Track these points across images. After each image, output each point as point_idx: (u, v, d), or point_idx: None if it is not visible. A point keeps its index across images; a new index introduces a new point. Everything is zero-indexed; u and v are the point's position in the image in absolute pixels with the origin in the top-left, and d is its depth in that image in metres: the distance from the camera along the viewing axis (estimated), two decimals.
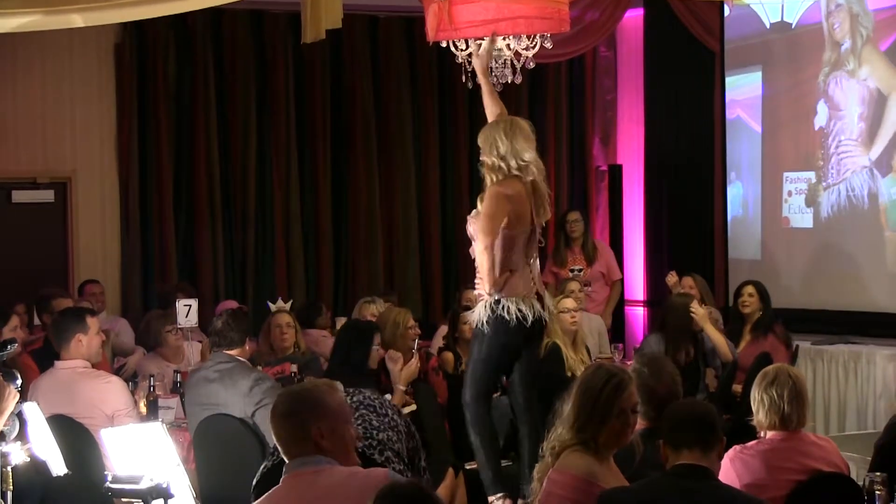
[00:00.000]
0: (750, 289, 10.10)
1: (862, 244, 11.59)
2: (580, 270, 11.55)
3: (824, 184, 11.71)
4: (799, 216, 12.01)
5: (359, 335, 7.70)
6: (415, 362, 8.48)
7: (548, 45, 8.65)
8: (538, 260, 7.40)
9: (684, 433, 4.62)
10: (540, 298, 7.12)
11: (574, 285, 10.53)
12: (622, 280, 12.51)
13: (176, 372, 8.59)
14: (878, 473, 5.02)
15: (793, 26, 12.06)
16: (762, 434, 5.55)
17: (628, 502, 4.51)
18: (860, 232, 11.61)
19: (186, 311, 9.15)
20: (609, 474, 4.87)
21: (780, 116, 12.28)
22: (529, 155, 7.15)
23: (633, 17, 13.56)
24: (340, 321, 9.89)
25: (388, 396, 6.95)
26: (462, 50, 8.56)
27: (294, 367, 8.59)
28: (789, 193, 12.11)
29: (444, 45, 8.56)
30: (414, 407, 8.36)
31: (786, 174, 12.14)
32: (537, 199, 7.14)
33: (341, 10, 8.67)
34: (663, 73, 13.49)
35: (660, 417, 5.02)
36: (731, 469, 5.34)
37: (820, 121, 11.73)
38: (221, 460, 6.91)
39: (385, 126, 12.69)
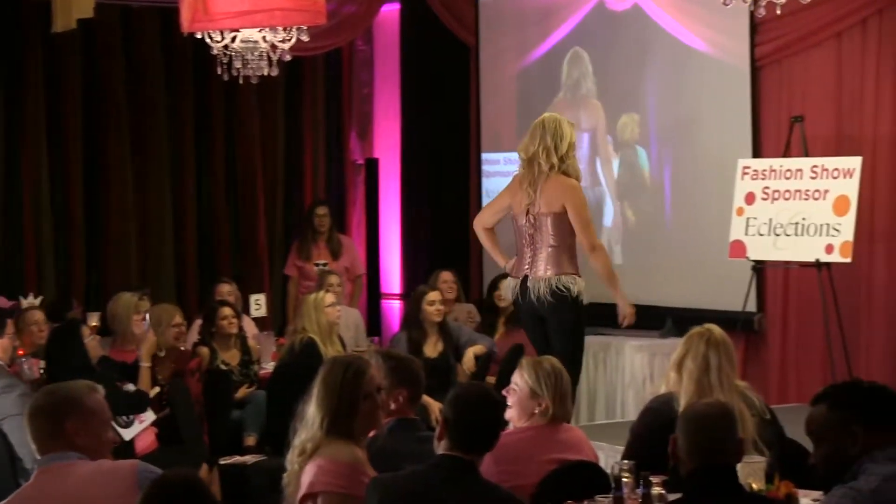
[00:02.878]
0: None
1: (611, 241, 11.87)
2: (325, 265, 11.54)
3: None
4: None
5: (66, 335, 7.67)
6: (151, 335, 8.47)
7: (304, 37, 8.64)
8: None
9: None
10: None
11: (334, 279, 10.55)
12: (370, 275, 12.61)
13: None
14: (625, 461, 5.14)
15: None
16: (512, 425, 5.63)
17: (400, 490, 4.51)
18: (609, 230, 11.90)
19: None
20: (367, 463, 4.87)
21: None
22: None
23: (390, 12, 13.62)
24: (93, 316, 9.69)
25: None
26: (217, 42, 8.48)
27: (42, 364, 8.37)
28: None
29: (199, 36, 8.46)
30: (157, 389, 8.30)
31: None
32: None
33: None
34: (420, 68, 13.58)
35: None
36: (488, 456, 5.40)
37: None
38: None
39: (139, 118, 12.48)
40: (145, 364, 8.44)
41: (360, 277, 12.23)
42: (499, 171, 12.73)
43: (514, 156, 12.24)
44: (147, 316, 8.95)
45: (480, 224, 8.34)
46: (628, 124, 11.67)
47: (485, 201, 12.82)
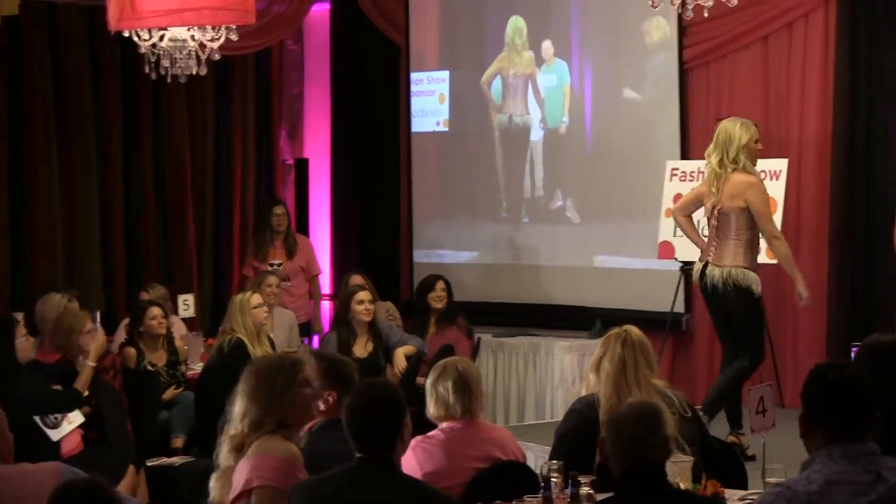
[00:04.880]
0: (442, 283, 10.26)
1: (542, 240, 11.92)
2: (279, 265, 11.49)
3: None
4: None
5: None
6: (101, 335, 8.42)
7: (233, 36, 8.62)
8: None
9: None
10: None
11: (272, 279, 10.51)
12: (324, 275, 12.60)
13: None
14: (554, 462, 5.16)
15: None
16: (441, 424, 5.64)
17: (320, 495, 4.48)
18: (538, 228, 11.94)
19: None
20: (301, 459, 4.85)
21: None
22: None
23: (320, 12, 13.58)
24: (18, 316, 9.58)
25: None
26: (145, 40, 8.43)
27: None
28: None
29: (126, 34, 8.40)
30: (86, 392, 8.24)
31: None
32: None
33: None
34: (350, 68, 13.56)
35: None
36: (412, 458, 5.40)
37: None
38: None
39: (65, 117, 12.36)
40: (91, 363, 8.36)
41: (315, 277, 12.17)
42: (427, 165, 12.81)
43: (443, 148, 12.37)
44: (98, 315, 8.87)
45: (679, 212, 8.88)
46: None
47: (415, 201, 12.86)
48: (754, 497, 5.06)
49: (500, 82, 12.14)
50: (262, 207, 12.31)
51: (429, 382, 5.67)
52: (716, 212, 8.39)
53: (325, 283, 13.45)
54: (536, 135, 11.95)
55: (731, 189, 8.26)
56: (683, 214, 8.84)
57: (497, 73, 12.13)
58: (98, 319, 8.92)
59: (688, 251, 10.04)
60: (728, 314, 8.45)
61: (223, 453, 4.89)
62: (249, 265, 11.88)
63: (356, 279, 10.49)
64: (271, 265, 11.46)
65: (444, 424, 5.61)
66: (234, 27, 8.50)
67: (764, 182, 9.02)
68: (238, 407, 4.88)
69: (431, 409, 5.64)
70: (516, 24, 11.95)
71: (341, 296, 9.92)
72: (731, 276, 8.30)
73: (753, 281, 8.32)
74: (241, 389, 4.90)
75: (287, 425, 4.86)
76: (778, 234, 8.45)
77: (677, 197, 10.09)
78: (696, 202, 8.73)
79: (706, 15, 7.66)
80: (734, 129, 8.36)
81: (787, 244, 8.54)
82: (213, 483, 4.92)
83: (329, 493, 4.46)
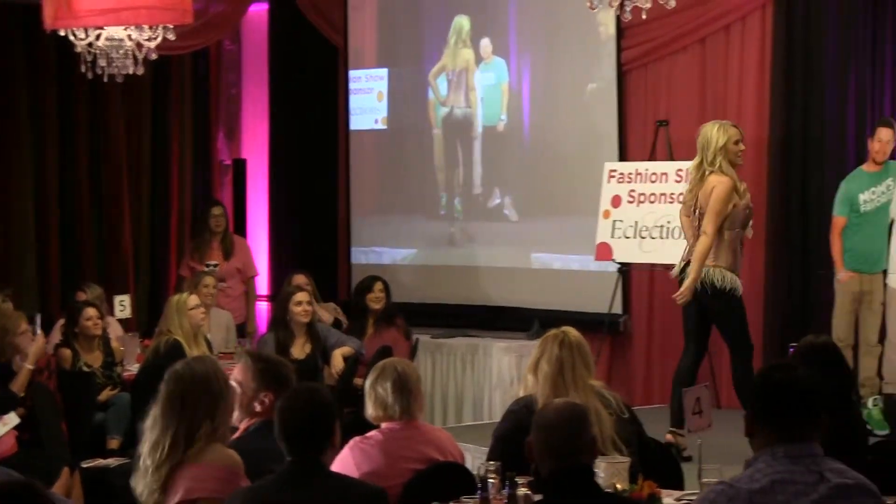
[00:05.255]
0: (380, 284, 10.24)
1: (480, 238, 11.94)
2: (216, 265, 11.44)
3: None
4: None
5: None
6: (40, 338, 8.35)
7: (171, 36, 8.58)
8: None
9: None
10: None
11: (209, 280, 10.46)
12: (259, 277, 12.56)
13: None
14: (491, 462, 5.16)
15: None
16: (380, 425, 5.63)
17: (254, 501, 4.45)
18: (477, 226, 11.96)
19: None
20: (242, 465, 4.80)
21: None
22: None
23: (258, 12, 13.54)
24: None
25: None
26: (81, 39, 8.37)
27: None
28: None
29: (62, 33, 8.34)
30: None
31: None
32: None
33: None
34: (288, 68, 13.52)
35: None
36: (349, 458, 5.39)
37: None
38: None
39: (0, 116, 12.27)
40: (29, 366, 8.29)
41: (252, 279, 12.12)
42: (365, 164, 12.81)
43: (381, 146, 12.36)
44: (39, 319, 8.80)
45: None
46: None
47: (353, 199, 12.85)
48: (691, 497, 5.08)
49: (445, 79, 12.14)
50: (201, 208, 12.25)
51: (368, 383, 5.65)
52: (696, 213, 8.42)
53: (263, 284, 13.41)
54: (475, 133, 11.97)
55: (706, 190, 8.29)
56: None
57: (442, 70, 12.14)
58: (39, 323, 8.83)
59: (626, 252, 10.10)
60: (703, 312, 8.41)
61: (154, 463, 4.76)
62: (186, 265, 11.83)
63: (299, 279, 10.48)
64: (208, 266, 11.41)
65: (382, 425, 5.60)
66: (172, 27, 8.46)
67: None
68: (160, 419, 4.80)
69: (370, 410, 5.62)
70: (460, 22, 11.96)
71: (280, 297, 9.89)
72: (707, 276, 8.27)
73: (730, 281, 8.30)
74: (166, 401, 4.80)
75: (220, 432, 4.81)
76: (708, 232, 8.32)
77: (616, 199, 10.14)
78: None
79: (644, 17, 7.69)
80: (711, 132, 8.36)
81: (709, 245, 8.46)
82: (143, 496, 4.80)
83: (262, 497, 4.44)
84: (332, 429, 4.54)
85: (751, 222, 8.43)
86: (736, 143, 8.32)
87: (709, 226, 8.30)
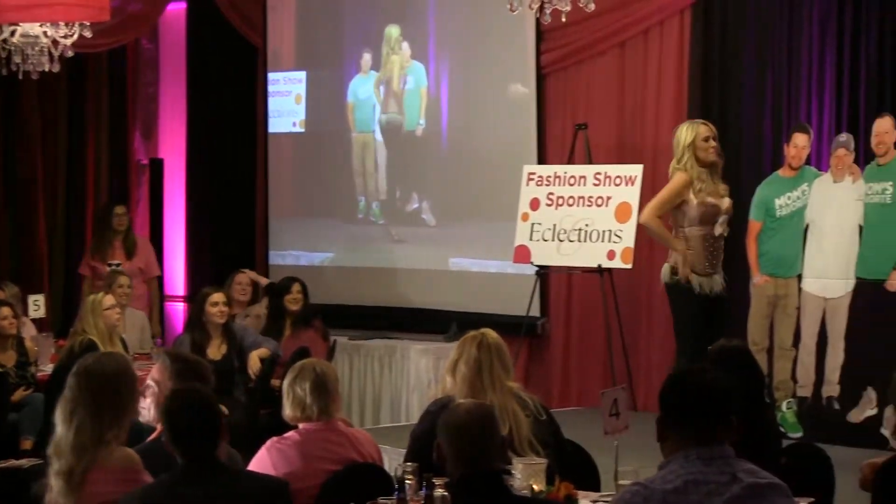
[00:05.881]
0: (298, 286, 10.21)
1: (398, 242, 11.93)
2: (118, 265, 11.35)
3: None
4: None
5: None
6: None
7: (87, 33, 8.50)
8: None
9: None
10: None
11: (124, 280, 10.41)
12: (161, 277, 12.46)
13: None
14: (408, 464, 5.15)
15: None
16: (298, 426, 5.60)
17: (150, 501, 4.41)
18: (395, 230, 11.96)
19: None
20: (140, 462, 4.75)
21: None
22: None
23: (176, 10, 13.45)
24: None
25: None
26: None
27: None
28: None
29: None
30: None
31: None
32: None
33: None
34: (206, 68, 13.45)
35: None
36: (266, 459, 5.37)
37: None
38: None
39: None
40: None
41: (154, 280, 12.03)
42: (283, 166, 12.77)
43: (299, 149, 12.32)
44: None
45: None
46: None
47: (271, 202, 12.80)
48: (607, 499, 5.10)
49: (371, 84, 12.12)
50: (104, 207, 12.15)
51: (286, 383, 5.62)
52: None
53: (179, 285, 13.34)
54: (393, 137, 11.96)
55: None
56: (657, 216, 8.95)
57: (381, 78, 12.11)
58: None
59: (544, 255, 10.12)
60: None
61: (61, 470, 4.67)
62: (87, 265, 11.73)
63: (242, 277, 10.51)
64: (110, 265, 11.33)
65: (300, 426, 5.57)
66: (88, 24, 8.38)
67: (621, 187, 9.22)
68: (68, 420, 4.71)
69: (288, 411, 5.59)
70: (390, 31, 11.93)
71: (197, 298, 9.83)
72: (664, 272, 8.50)
73: (674, 277, 8.48)
74: (76, 399, 4.72)
75: (123, 432, 4.74)
76: (644, 220, 8.68)
77: (534, 202, 10.17)
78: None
79: (564, 20, 7.71)
80: (681, 132, 8.56)
81: (650, 226, 8.66)
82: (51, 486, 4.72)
83: (157, 496, 4.41)
84: (219, 423, 4.54)
85: (720, 220, 8.47)
86: (706, 139, 8.46)
87: (649, 214, 8.54)
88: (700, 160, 8.43)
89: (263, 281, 10.96)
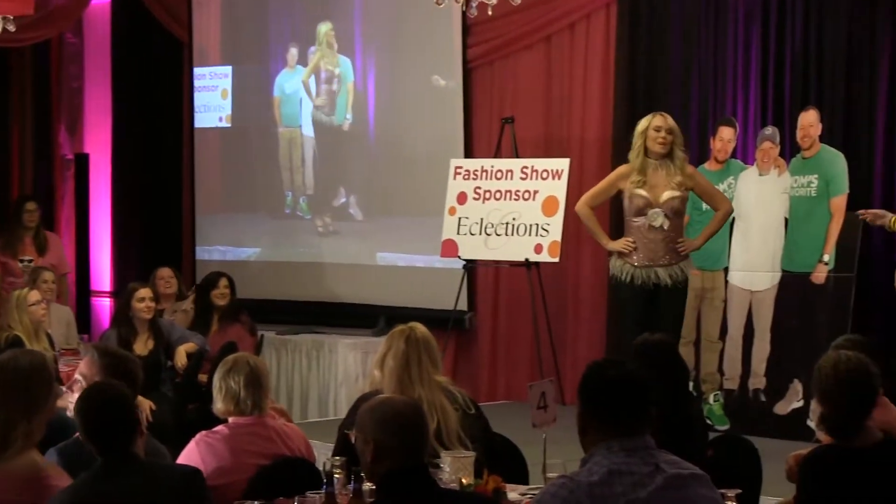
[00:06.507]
0: (225, 281, 10.16)
1: (326, 237, 11.90)
2: (30, 261, 11.24)
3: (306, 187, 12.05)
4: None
5: None
6: None
7: (10, 27, 8.43)
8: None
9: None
10: None
11: (48, 275, 10.33)
12: (80, 273, 12.38)
13: None
14: (337, 458, 5.14)
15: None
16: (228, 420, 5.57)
17: (72, 501, 4.36)
18: (322, 225, 11.94)
19: None
20: (54, 467, 4.68)
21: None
22: None
23: (101, 4, 13.35)
24: None
25: None
26: None
27: None
28: None
29: None
30: None
31: None
32: None
33: None
34: (132, 63, 13.37)
35: None
36: (195, 453, 5.34)
37: None
38: None
39: None
40: None
41: (65, 276, 11.93)
42: (210, 161, 12.70)
43: (226, 144, 12.26)
44: None
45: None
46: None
47: (197, 197, 12.73)
48: (535, 492, 5.11)
49: (298, 78, 12.09)
50: (15, 203, 12.04)
51: (218, 377, 5.59)
52: None
53: (106, 281, 13.24)
54: (320, 131, 11.93)
55: None
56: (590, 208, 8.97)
57: (311, 72, 12.06)
58: None
59: (472, 249, 10.13)
60: None
61: None
62: None
63: (164, 272, 10.44)
64: (21, 261, 11.23)
65: (230, 420, 5.54)
66: (12, 18, 8.31)
67: (548, 181, 9.26)
68: None
69: (219, 404, 5.56)
70: (321, 28, 11.89)
71: (123, 293, 9.76)
72: (610, 262, 8.65)
73: (612, 267, 8.55)
74: None
75: (33, 435, 4.65)
76: (577, 207, 8.68)
77: (461, 195, 10.17)
78: None
79: (490, 13, 7.72)
80: (641, 121, 8.53)
81: (580, 213, 8.67)
82: None
83: (80, 495, 4.37)
84: (134, 418, 4.50)
85: (651, 212, 8.37)
86: (656, 129, 8.36)
87: (581, 202, 8.64)
88: (647, 150, 8.42)
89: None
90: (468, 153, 10.91)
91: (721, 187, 9.27)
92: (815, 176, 8.88)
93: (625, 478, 3.71)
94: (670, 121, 8.43)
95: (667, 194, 8.36)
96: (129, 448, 4.45)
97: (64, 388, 5.76)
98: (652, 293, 8.40)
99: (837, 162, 8.83)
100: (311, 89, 12.03)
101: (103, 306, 13.30)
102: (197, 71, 12.79)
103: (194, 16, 12.77)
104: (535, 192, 9.87)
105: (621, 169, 8.50)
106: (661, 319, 8.28)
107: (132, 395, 4.60)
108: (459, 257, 10.26)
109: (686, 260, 8.46)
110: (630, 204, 8.40)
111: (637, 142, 8.39)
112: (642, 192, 8.37)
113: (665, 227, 8.39)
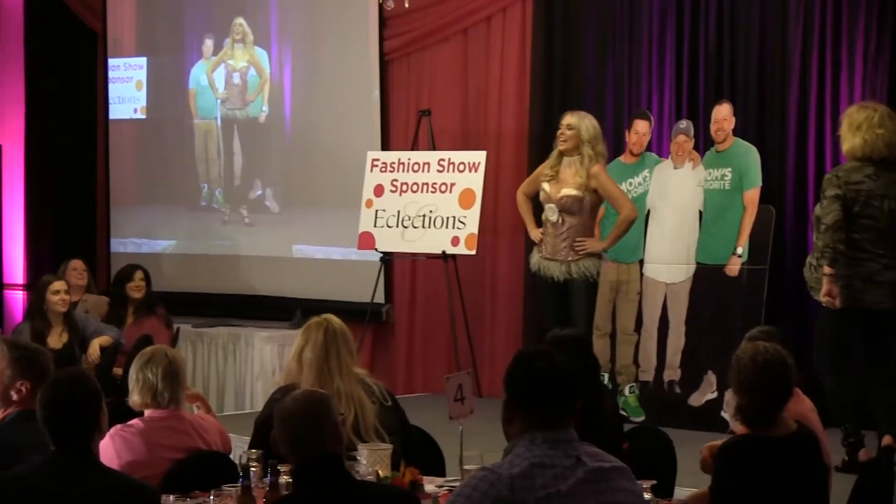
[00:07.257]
0: (140, 273, 10.09)
1: (241, 229, 11.86)
2: None
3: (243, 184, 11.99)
4: None
5: None
6: None
7: None
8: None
9: None
10: None
11: None
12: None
13: None
14: (253, 451, 5.12)
15: None
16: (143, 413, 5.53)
17: (11, 492, 4.30)
18: (238, 217, 11.89)
19: None
20: None
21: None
22: None
23: None
24: None
25: None
26: None
27: None
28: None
29: None
30: None
31: None
32: None
33: None
34: (45, 53, 13.21)
35: None
36: (111, 447, 5.29)
37: None
38: None
39: None
40: None
41: None
42: (125, 153, 12.61)
43: (141, 135, 12.17)
44: None
45: None
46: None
47: (112, 189, 12.63)
48: (453, 484, 5.12)
49: (220, 73, 12.02)
50: None
51: (135, 368, 5.54)
52: None
53: (19, 273, 13.11)
54: (236, 124, 11.88)
55: None
56: None
57: (217, 64, 11.99)
58: None
59: (388, 242, 10.13)
60: None
61: None
62: None
63: (76, 263, 10.34)
64: None
65: (146, 413, 5.50)
66: None
67: (465, 174, 9.29)
68: None
69: (136, 397, 5.51)
70: (237, 20, 11.83)
71: (37, 286, 9.66)
72: None
73: (532, 256, 8.71)
74: None
75: None
76: (517, 192, 8.88)
77: (378, 189, 10.17)
78: None
79: (407, 6, 7.73)
80: None
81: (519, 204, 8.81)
82: None
83: (25, 490, 4.30)
84: (99, 415, 4.43)
85: (547, 207, 8.51)
86: (560, 126, 8.52)
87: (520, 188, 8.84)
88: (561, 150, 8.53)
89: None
90: (385, 146, 10.90)
91: (636, 180, 9.34)
92: (729, 169, 8.95)
93: (546, 470, 3.72)
94: (579, 119, 8.51)
95: (563, 192, 8.48)
96: (88, 445, 4.36)
97: None
98: (561, 286, 8.48)
99: (751, 155, 8.91)
100: (215, 83, 11.97)
101: (16, 299, 13.16)
102: (111, 62, 12.68)
103: (109, 6, 12.66)
104: (452, 184, 9.89)
105: (539, 167, 8.62)
106: (571, 314, 8.39)
107: (101, 393, 4.51)
108: (376, 250, 10.25)
109: (593, 258, 8.52)
110: (540, 196, 8.55)
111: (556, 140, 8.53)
112: (546, 186, 8.50)
113: (560, 223, 8.48)
